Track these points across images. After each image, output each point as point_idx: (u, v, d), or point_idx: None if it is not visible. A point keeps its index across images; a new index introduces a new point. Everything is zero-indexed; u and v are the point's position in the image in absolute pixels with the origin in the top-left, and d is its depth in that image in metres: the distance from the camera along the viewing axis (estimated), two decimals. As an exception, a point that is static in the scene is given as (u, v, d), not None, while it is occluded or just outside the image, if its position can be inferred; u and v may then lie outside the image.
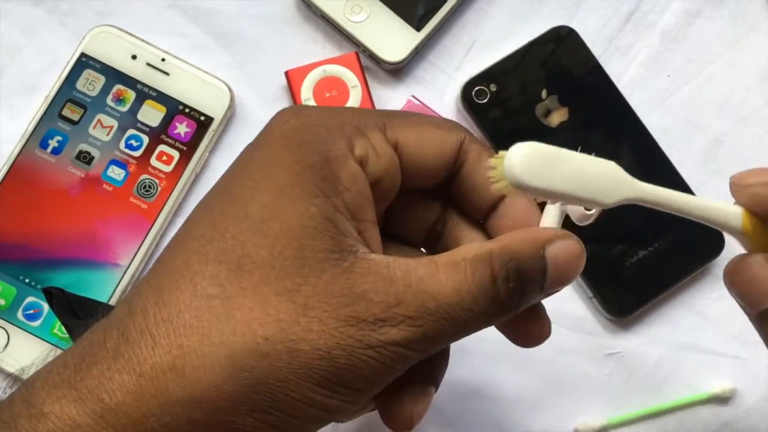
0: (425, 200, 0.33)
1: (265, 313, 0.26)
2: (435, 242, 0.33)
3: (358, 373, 0.27)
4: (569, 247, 0.29)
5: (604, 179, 0.28)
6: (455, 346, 0.47)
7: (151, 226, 0.47)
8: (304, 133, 0.28)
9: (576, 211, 0.29)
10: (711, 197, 0.30)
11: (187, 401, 0.26)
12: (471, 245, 0.28)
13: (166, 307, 0.27)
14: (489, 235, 0.32)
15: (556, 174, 0.27)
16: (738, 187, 0.30)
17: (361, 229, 0.28)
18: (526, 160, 0.27)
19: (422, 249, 0.34)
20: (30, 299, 0.46)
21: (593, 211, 0.29)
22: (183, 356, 0.26)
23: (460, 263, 0.27)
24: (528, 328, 0.31)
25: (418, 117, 0.31)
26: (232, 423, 0.26)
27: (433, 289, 0.27)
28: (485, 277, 0.27)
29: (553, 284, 0.29)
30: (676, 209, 0.30)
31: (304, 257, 0.27)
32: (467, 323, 0.28)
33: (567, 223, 0.30)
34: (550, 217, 0.30)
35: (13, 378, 0.45)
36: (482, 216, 0.32)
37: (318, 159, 0.27)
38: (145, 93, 0.48)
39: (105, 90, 0.48)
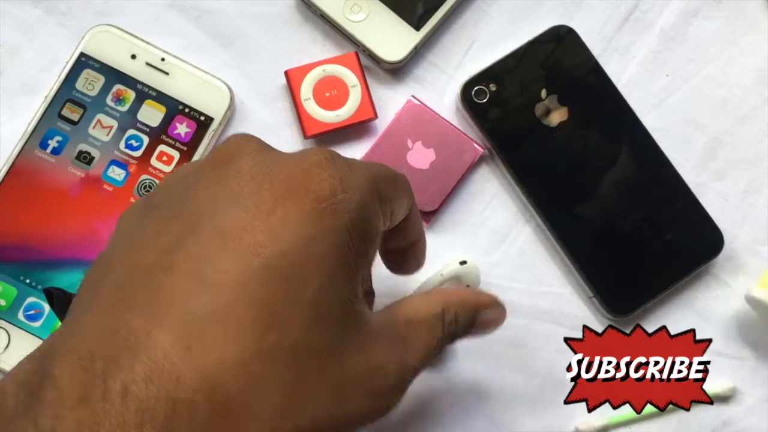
0: None
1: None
2: None
3: None
4: (497, 314, 0.36)
5: None
6: (455, 347, 0.48)
7: (152, 227, 0.47)
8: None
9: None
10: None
11: None
12: (422, 308, 0.33)
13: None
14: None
15: None
16: None
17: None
18: None
19: None
20: (31, 300, 0.46)
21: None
22: None
23: (423, 325, 0.33)
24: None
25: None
26: None
27: (412, 359, 0.32)
28: (438, 335, 0.33)
29: (475, 334, 0.35)
30: None
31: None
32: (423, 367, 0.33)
33: None
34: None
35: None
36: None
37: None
38: (144, 93, 0.48)
39: (105, 90, 0.48)
